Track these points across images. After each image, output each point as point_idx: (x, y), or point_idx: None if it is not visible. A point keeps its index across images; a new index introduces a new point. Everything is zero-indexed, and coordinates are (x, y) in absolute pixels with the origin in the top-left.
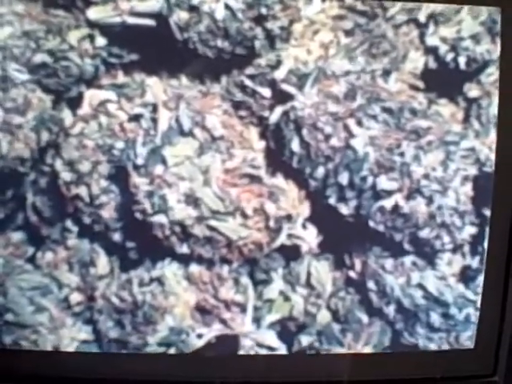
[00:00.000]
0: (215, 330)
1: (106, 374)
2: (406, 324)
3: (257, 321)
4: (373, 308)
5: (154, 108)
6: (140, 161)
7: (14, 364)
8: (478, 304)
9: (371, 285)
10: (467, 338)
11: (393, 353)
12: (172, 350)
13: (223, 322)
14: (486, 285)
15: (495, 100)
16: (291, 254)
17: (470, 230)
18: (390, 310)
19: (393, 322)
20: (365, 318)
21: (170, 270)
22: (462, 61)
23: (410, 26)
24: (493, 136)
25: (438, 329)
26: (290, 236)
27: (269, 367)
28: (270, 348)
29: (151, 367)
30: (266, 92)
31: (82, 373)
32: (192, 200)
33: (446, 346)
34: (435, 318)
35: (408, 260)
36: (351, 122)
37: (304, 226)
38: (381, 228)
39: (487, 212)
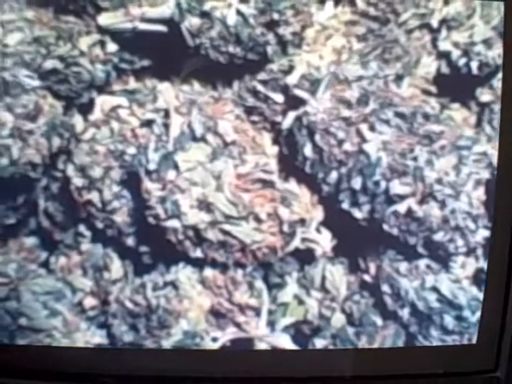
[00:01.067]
0: (230, 333)
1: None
2: (420, 327)
3: (271, 324)
4: (387, 311)
5: (166, 113)
6: (152, 166)
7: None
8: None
9: (385, 288)
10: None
11: (395, 348)
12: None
13: (238, 325)
14: (489, 281)
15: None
16: (305, 257)
17: (483, 233)
18: (405, 313)
19: (407, 325)
20: (379, 321)
21: (183, 273)
22: (474, 65)
23: (423, 31)
24: (502, 140)
25: (451, 331)
26: (304, 240)
27: (276, 363)
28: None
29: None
30: (279, 97)
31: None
32: (205, 205)
33: (448, 342)
34: (449, 321)
35: (422, 263)
36: (364, 127)
37: (318, 230)
38: (395, 232)
39: (499, 215)
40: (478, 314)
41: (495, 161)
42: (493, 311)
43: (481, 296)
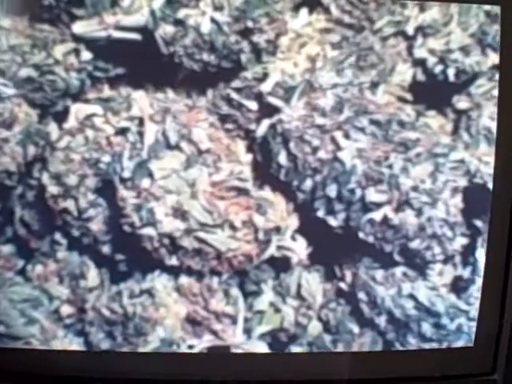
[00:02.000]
0: (206, 341)
1: (97, 373)
2: (397, 334)
3: (247, 332)
4: (364, 319)
5: (141, 121)
6: (127, 174)
7: (6, 362)
8: (471, 314)
9: (362, 296)
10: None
11: (391, 351)
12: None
13: (214, 333)
14: (485, 284)
15: (485, 112)
16: (281, 265)
17: (461, 241)
18: (381, 321)
19: (384, 333)
20: (356, 329)
21: (159, 281)
22: (451, 73)
23: (398, 39)
24: (483, 147)
25: (429, 339)
26: (279, 248)
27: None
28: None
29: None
30: (253, 105)
31: (73, 372)
32: (180, 213)
33: (445, 345)
34: (427, 328)
35: (398, 271)
36: (339, 135)
37: (293, 238)
38: (370, 239)
39: (478, 223)
40: (457, 321)
41: (473, 168)
42: (490, 314)
43: (460, 303)
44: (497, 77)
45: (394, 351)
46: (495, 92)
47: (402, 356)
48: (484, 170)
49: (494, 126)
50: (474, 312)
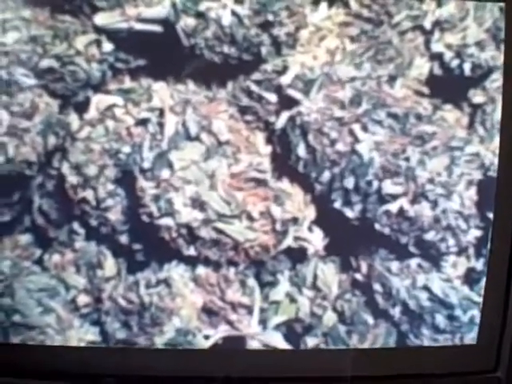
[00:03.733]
0: (222, 331)
1: (111, 369)
2: (411, 325)
3: (263, 322)
4: (378, 310)
5: (161, 113)
6: (146, 165)
7: (20, 359)
8: (482, 305)
9: (377, 287)
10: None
11: (395, 349)
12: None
13: (230, 323)
14: (489, 281)
15: (499, 106)
16: (298, 256)
17: (475, 233)
18: (396, 312)
19: (398, 324)
20: (370, 320)
21: (176, 271)
22: (466, 67)
23: (416, 33)
24: (497, 141)
25: (443, 330)
26: (296, 239)
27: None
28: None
29: (158, 363)
30: (272, 97)
31: (88, 368)
32: (198, 203)
33: (448, 342)
34: (440, 320)
35: (413, 262)
36: (357, 127)
37: (310, 229)
38: (386, 231)
39: (492, 215)
40: (470, 313)
41: (487, 161)
42: (493, 311)
43: (472, 295)
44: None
45: (397, 348)
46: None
47: (406, 353)
48: (498, 163)
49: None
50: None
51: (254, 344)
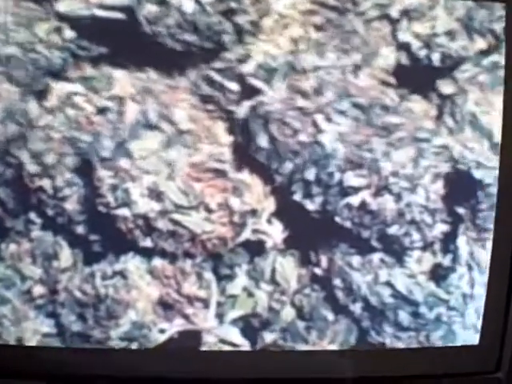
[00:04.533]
0: (177, 325)
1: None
2: (373, 322)
3: (220, 317)
4: (339, 305)
5: (121, 101)
6: (106, 154)
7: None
8: (451, 303)
9: (337, 282)
10: (471, 335)
11: (396, 349)
12: (134, 345)
13: (186, 317)
14: (491, 281)
15: (470, 97)
16: (256, 249)
17: (442, 228)
18: (357, 308)
19: (359, 320)
20: (330, 316)
21: (132, 263)
22: (435, 57)
23: (382, 22)
24: (467, 133)
25: (406, 328)
26: (254, 231)
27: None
28: (233, 344)
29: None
30: (234, 86)
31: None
32: (156, 194)
33: (413, 341)
34: (404, 317)
35: (376, 257)
36: (320, 118)
37: (269, 222)
38: (348, 225)
39: (460, 210)
40: (436, 310)
41: (456, 154)
42: (495, 312)
43: (439, 292)
44: (484, 62)
45: (398, 349)
46: (481, 77)
47: (406, 354)
48: (468, 155)
49: (478, 111)
50: (454, 302)
51: (210, 339)
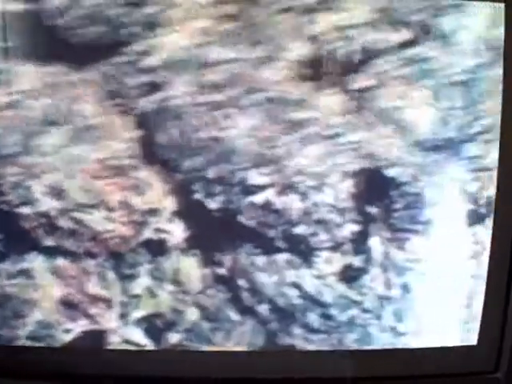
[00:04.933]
0: (82, 325)
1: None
2: (280, 324)
3: (123, 317)
4: (244, 306)
5: (27, 95)
6: (8, 150)
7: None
8: (365, 305)
9: (242, 283)
10: (470, 335)
11: (394, 349)
12: (41, 344)
13: (90, 317)
14: (489, 281)
15: (387, 91)
16: (158, 248)
17: (352, 228)
18: (263, 309)
19: (266, 322)
20: (235, 317)
21: (36, 262)
22: (352, 49)
23: (295, 13)
24: (383, 129)
25: (316, 330)
26: (156, 230)
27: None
28: (137, 345)
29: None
30: (141, 80)
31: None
32: (57, 191)
33: (324, 343)
34: (313, 319)
35: (281, 258)
36: (227, 113)
37: (171, 221)
38: (252, 224)
39: (372, 209)
40: (349, 312)
41: (369, 151)
42: (493, 312)
43: (351, 294)
44: (404, 54)
45: (397, 349)
46: (401, 71)
47: (405, 354)
48: (382, 153)
49: (397, 106)
50: (368, 304)
51: (114, 339)
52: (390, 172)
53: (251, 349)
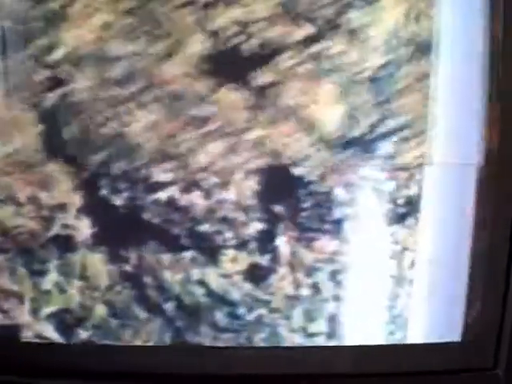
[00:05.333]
0: None
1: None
2: (187, 322)
3: (35, 312)
4: (151, 304)
5: None
6: None
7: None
8: (273, 305)
9: (148, 280)
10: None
11: (392, 345)
12: None
13: (3, 312)
14: (487, 277)
15: (289, 87)
16: (65, 244)
17: (257, 227)
18: (170, 307)
19: (173, 320)
20: (143, 315)
21: None
22: (253, 45)
23: (196, 7)
24: (285, 126)
25: (224, 329)
26: (64, 226)
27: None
28: (49, 339)
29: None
30: (42, 75)
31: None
32: None
33: (231, 342)
34: (220, 318)
35: (187, 255)
36: (129, 108)
37: (77, 217)
38: (157, 221)
39: (278, 208)
40: (256, 312)
41: (272, 147)
42: (491, 308)
43: (258, 293)
44: (309, 50)
45: (393, 345)
46: (306, 67)
47: (400, 350)
48: (287, 151)
49: (300, 102)
50: (276, 303)
51: (28, 334)
52: (297, 170)
53: (159, 345)
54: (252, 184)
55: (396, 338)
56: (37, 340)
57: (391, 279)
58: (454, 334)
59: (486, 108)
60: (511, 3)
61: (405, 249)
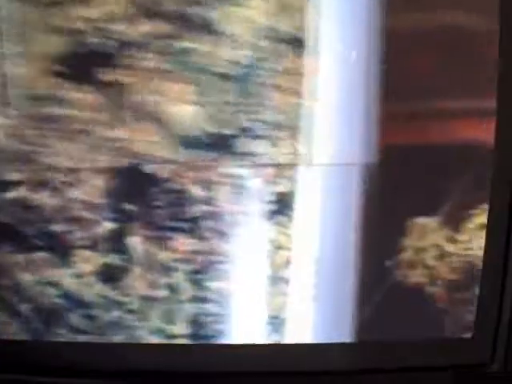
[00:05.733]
0: None
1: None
2: (44, 323)
3: None
4: (7, 305)
5: None
6: None
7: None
8: (129, 306)
9: (5, 281)
10: (466, 328)
11: (390, 342)
12: None
13: None
14: (484, 273)
15: (148, 86)
16: None
17: (109, 226)
18: (25, 309)
19: (30, 321)
20: (2, 316)
21: None
22: (103, 43)
23: (44, 6)
24: (139, 124)
25: (82, 331)
26: None
27: None
28: None
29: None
30: None
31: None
32: None
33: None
34: (75, 319)
35: (39, 256)
36: None
37: None
38: (9, 221)
39: (130, 207)
40: (113, 313)
41: (127, 146)
42: (488, 304)
43: (111, 293)
44: (163, 47)
45: (392, 342)
46: (160, 64)
47: (401, 346)
48: (141, 149)
49: (158, 101)
50: (132, 304)
51: None
52: (149, 168)
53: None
54: (103, 183)
55: (273, 339)
56: None
57: (264, 279)
58: (344, 335)
59: (369, 107)
60: None
61: (278, 248)
